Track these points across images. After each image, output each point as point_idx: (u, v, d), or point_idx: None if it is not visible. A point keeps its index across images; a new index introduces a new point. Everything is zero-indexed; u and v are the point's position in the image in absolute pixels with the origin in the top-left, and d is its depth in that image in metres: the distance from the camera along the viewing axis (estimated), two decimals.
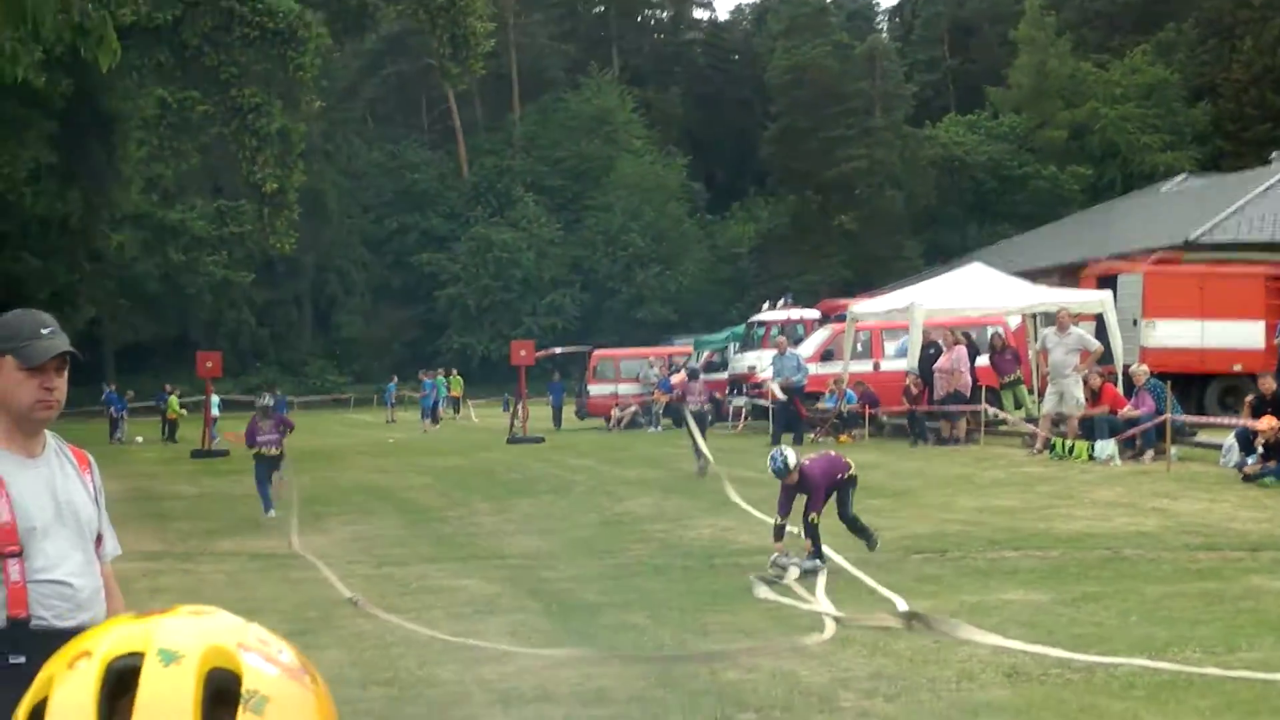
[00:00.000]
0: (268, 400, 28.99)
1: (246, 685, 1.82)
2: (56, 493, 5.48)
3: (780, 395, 38.27)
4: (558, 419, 55.53)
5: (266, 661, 1.86)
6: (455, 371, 76.02)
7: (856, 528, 17.52)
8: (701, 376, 36.22)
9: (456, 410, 70.71)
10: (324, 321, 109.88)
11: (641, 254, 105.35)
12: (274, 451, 27.02)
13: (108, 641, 1.86)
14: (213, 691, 1.81)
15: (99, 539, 5.70)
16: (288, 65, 34.78)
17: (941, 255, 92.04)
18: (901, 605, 14.59)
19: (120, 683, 1.80)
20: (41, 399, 5.39)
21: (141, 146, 43.64)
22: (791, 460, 16.96)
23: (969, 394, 33.89)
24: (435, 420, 60.82)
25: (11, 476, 5.39)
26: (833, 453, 18.25)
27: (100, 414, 73.61)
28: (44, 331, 5.40)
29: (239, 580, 18.20)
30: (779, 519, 17.08)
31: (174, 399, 57.42)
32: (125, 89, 39.15)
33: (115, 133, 40.95)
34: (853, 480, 17.56)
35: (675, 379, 49.49)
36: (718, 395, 43.15)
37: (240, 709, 1.80)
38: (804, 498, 17.09)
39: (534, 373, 76.41)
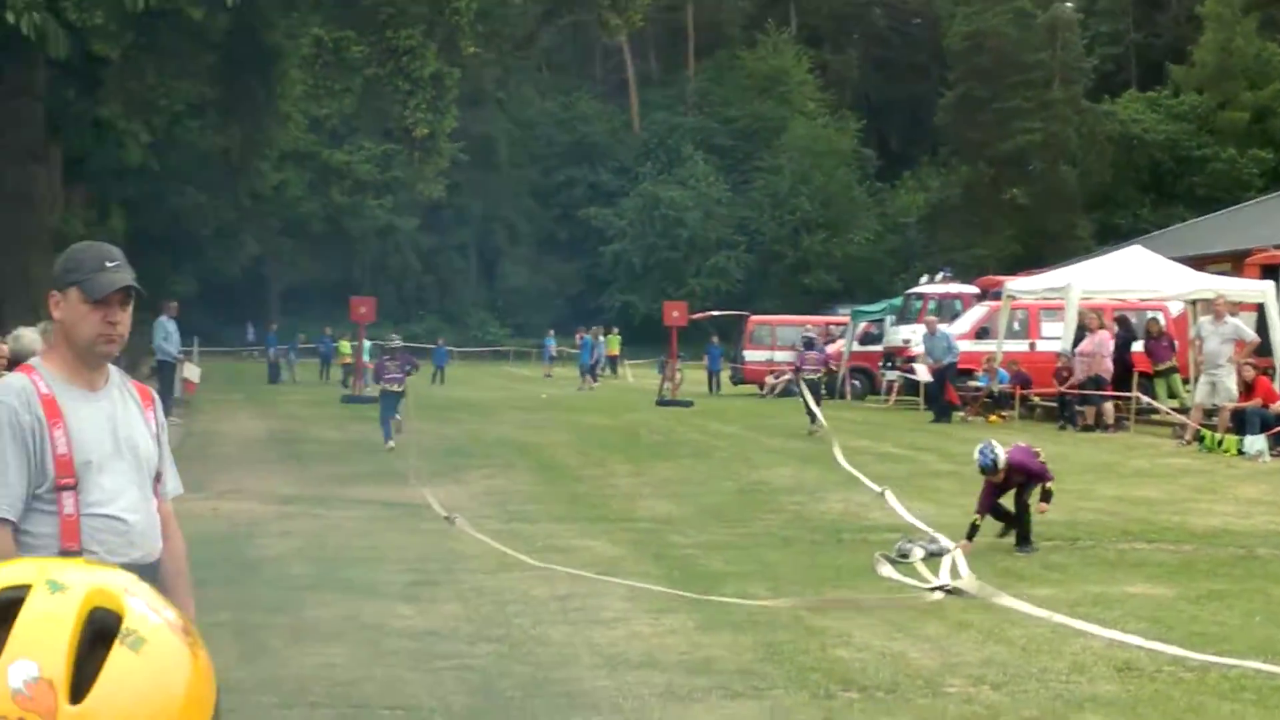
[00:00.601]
0: (396, 342, 31.32)
1: (126, 624, 1.94)
2: (117, 427, 5.52)
3: (928, 377, 38.36)
4: (714, 383, 55.54)
5: (151, 610, 1.98)
6: (615, 330, 75.93)
7: (1023, 519, 17.25)
8: (818, 346, 37.12)
9: (614, 370, 70.75)
10: (489, 271, 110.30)
11: (809, 219, 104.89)
12: (396, 388, 30.15)
13: None
14: (94, 629, 1.92)
15: (159, 477, 5.75)
16: (444, 9, 34.95)
17: (1113, 235, 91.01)
18: (944, 580, 14.74)
19: (6, 613, 1.92)
20: (104, 333, 5.43)
21: (296, 85, 44.04)
22: (1002, 457, 16.80)
23: (1110, 379, 33.66)
24: (595, 378, 60.78)
25: (70, 409, 5.42)
26: (1022, 444, 18.03)
27: (239, 353, 74.88)
28: (109, 265, 5.42)
29: (368, 528, 18.52)
30: (978, 518, 16.77)
31: (346, 343, 57.67)
32: (287, 26, 39.54)
33: (274, 69, 41.32)
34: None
35: (832, 349, 49.47)
36: (833, 366, 43.12)
37: (117, 643, 1.92)
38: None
39: (692, 335, 76.46)
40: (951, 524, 17.76)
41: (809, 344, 36.87)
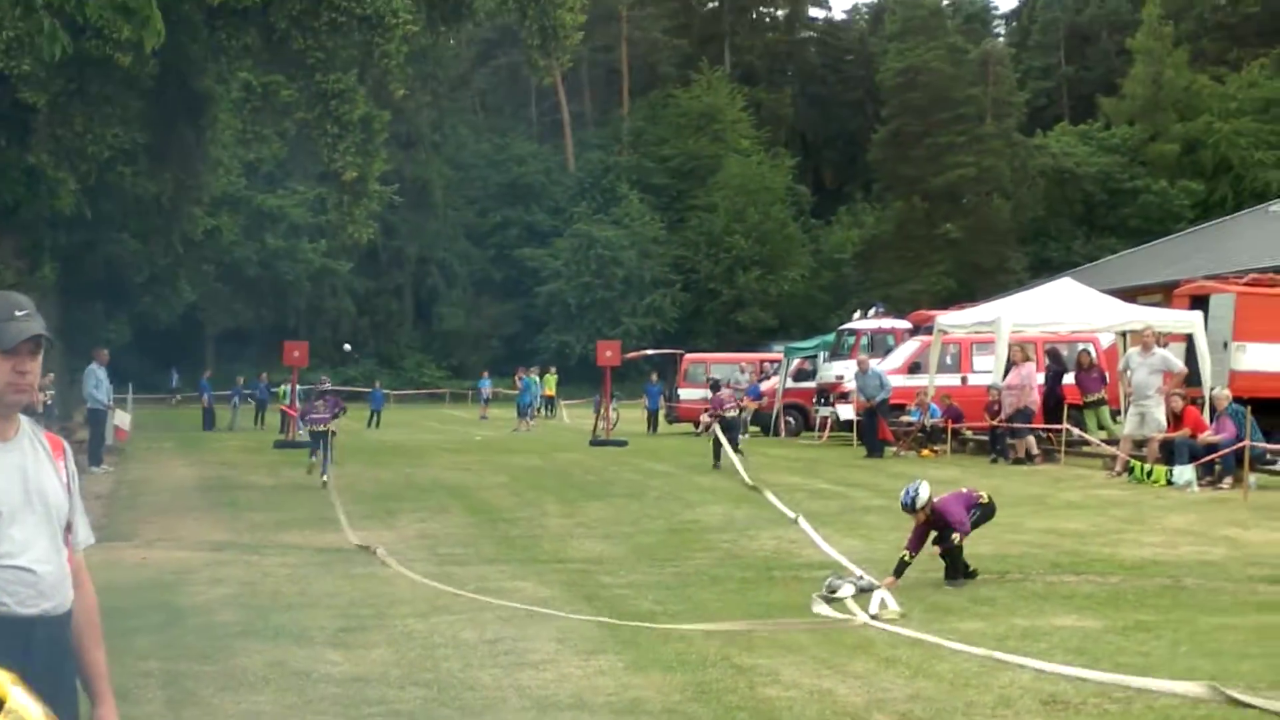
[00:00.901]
0: (325, 385, 32.32)
1: (9, 705, 2.01)
2: (27, 478, 5.45)
3: (851, 414, 38.85)
4: (652, 423, 55.53)
5: (32, 702, 2.06)
6: (552, 369, 75.75)
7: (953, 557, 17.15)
8: (724, 388, 38.24)
9: (551, 410, 70.68)
10: (424, 313, 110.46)
11: (744, 257, 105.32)
12: (322, 428, 31.45)
13: None
14: None
15: (70, 527, 5.67)
16: (373, 52, 34.96)
17: (1047, 268, 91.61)
18: (868, 614, 14.87)
19: None
20: (13, 382, 5.39)
21: (226, 130, 44.01)
22: (923, 495, 16.79)
23: (1037, 411, 34.04)
24: (531, 419, 60.71)
25: None
26: (964, 489, 18.11)
27: (169, 399, 74.64)
28: (18, 314, 5.40)
29: (299, 574, 18.45)
30: (908, 555, 16.71)
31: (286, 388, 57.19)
32: (216, 71, 39.48)
33: (205, 114, 41.22)
34: (986, 511, 17.71)
35: (766, 386, 49.71)
36: (747, 403, 44.11)
37: (1, 715, 1.99)
38: (934, 533, 17.08)
39: (631, 375, 76.26)
40: (882, 559, 17.88)
41: (715, 386, 37.90)
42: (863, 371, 38.26)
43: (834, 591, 16.15)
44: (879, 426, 37.25)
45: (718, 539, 21.59)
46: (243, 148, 45.51)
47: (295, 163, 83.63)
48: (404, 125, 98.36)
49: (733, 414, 35.97)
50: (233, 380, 67.07)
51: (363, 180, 36.84)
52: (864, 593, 16.15)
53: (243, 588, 17.31)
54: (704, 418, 50.42)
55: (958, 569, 17.02)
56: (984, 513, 17.59)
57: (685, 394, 54.13)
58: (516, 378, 66.28)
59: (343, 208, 37.95)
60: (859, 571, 17.29)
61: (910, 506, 16.81)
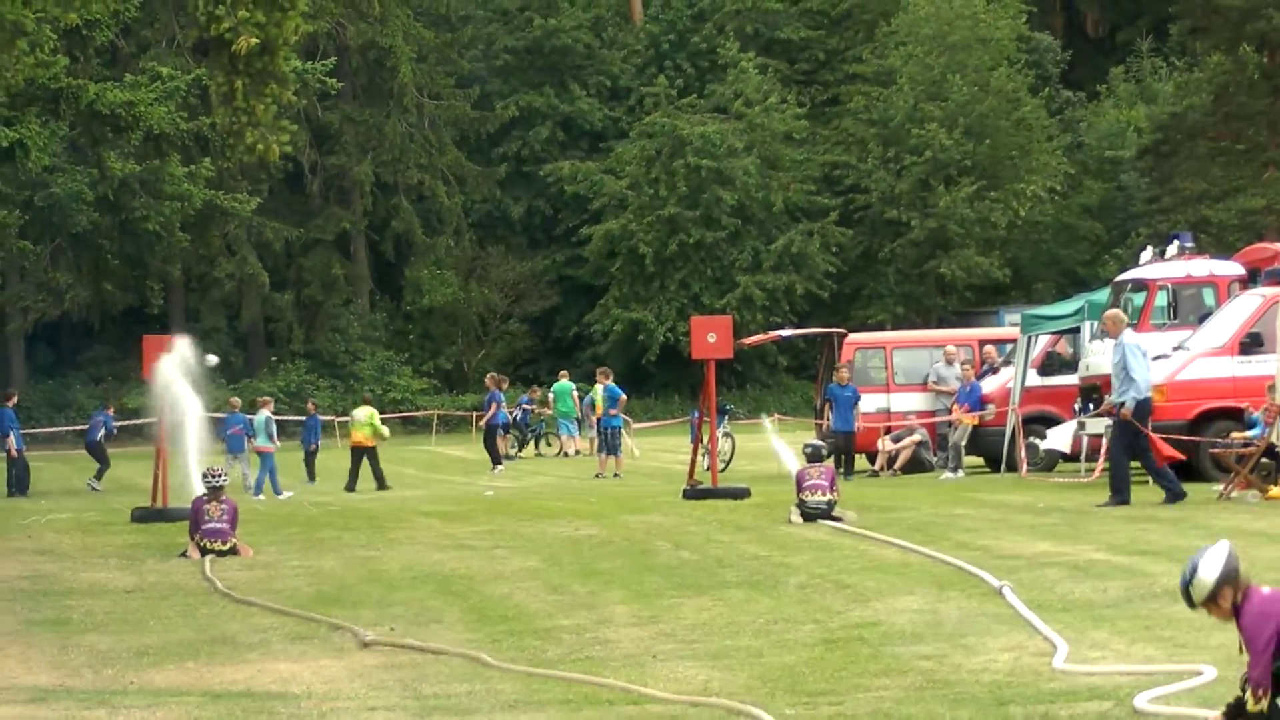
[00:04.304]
0: (222, 479, 32.52)
1: None
2: None
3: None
4: (846, 462, 53.04)
5: None
6: (604, 372, 73.78)
7: None
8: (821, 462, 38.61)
9: (613, 441, 69.86)
10: (386, 280, 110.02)
11: (946, 161, 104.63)
12: (223, 546, 33.05)
13: None
14: None
15: None
16: None
17: None
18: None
19: None
20: None
21: None
22: (1206, 576, 14.87)
23: None
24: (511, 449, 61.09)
25: None
26: None
27: None
28: None
29: None
30: (1251, 697, 14.75)
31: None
32: None
33: None
34: None
35: (989, 387, 49.35)
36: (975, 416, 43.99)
37: None
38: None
39: (753, 370, 76.27)
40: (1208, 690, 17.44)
41: (815, 454, 38.16)
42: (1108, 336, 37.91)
43: None
44: (1150, 441, 36.56)
45: (911, 652, 21.43)
46: (60, 6, 45.56)
47: (152, 26, 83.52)
48: None
49: (819, 501, 37.02)
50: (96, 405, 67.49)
51: (269, 52, 36.88)
52: None
53: None
54: (884, 443, 50.50)
55: None
56: None
57: None
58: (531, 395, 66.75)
59: (237, 102, 37.99)
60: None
61: (1186, 596, 15.13)
